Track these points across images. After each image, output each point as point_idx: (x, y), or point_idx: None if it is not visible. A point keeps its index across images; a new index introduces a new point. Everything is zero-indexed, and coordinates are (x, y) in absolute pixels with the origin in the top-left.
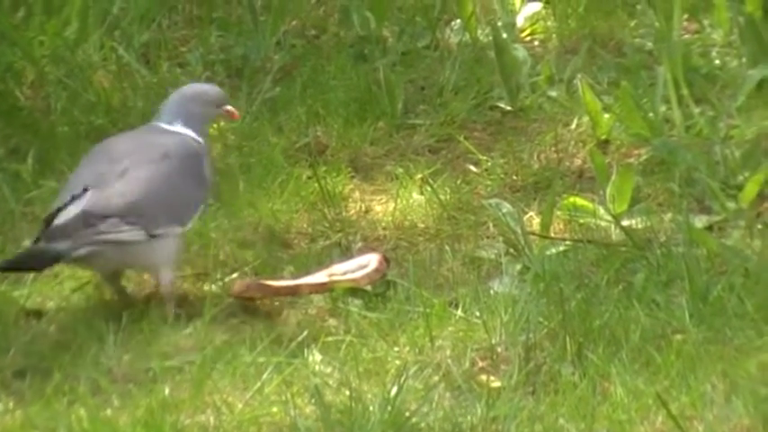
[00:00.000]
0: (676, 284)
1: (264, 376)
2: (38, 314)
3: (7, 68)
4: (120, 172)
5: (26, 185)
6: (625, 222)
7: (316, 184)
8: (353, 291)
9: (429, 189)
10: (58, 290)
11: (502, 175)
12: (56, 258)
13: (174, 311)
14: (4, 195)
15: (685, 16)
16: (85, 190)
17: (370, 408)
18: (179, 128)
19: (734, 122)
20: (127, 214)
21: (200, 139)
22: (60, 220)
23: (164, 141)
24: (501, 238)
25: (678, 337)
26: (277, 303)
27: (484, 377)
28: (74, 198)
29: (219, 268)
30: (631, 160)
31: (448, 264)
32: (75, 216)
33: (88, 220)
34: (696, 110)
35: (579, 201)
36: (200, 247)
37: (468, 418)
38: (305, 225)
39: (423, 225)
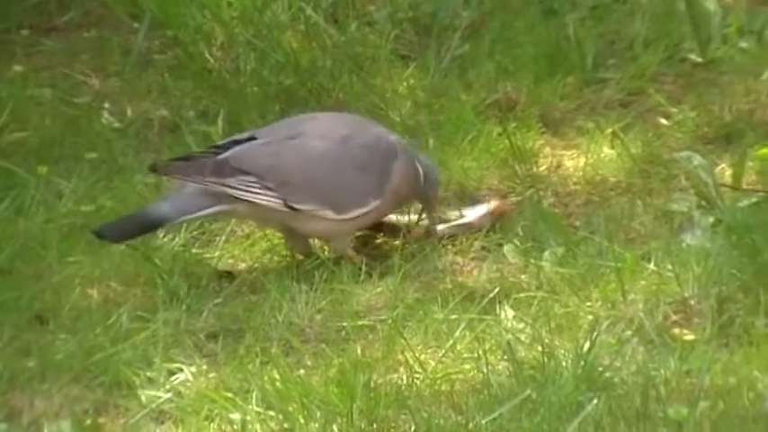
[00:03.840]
0: None
1: (457, 333)
2: (230, 276)
3: (197, 30)
4: (291, 135)
5: None
6: None
7: (506, 141)
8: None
9: (620, 143)
10: (250, 251)
11: (693, 128)
12: (158, 225)
13: (365, 269)
14: None
15: None
16: (251, 138)
17: (563, 363)
18: (414, 152)
19: None
20: (266, 177)
21: (419, 167)
22: (204, 159)
23: (362, 129)
24: (693, 191)
25: None
26: (471, 260)
27: (677, 330)
28: (235, 142)
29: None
30: None
31: (639, 217)
32: (215, 161)
33: (222, 168)
34: None
35: None
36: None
37: (662, 371)
38: (496, 181)
39: (614, 179)
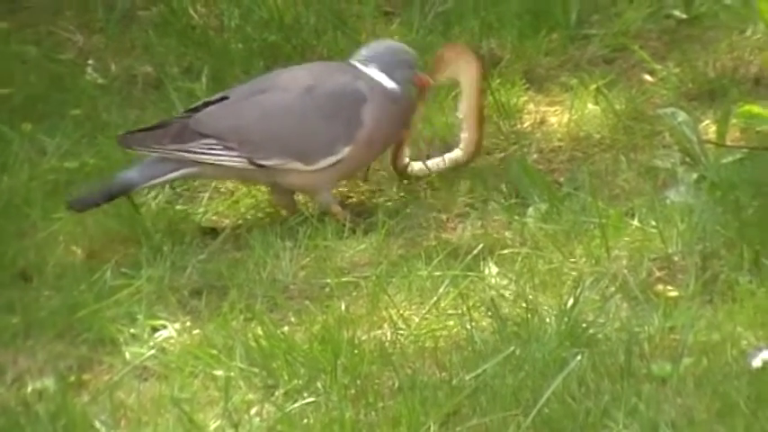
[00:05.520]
0: None
1: (441, 290)
2: (214, 232)
3: None
4: (259, 91)
5: None
6: None
7: (490, 97)
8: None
9: (604, 99)
10: (234, 208)
11: (677, 84)
12: (126, 191)
13: (349, 225)
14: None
15: None
16: (223, 98)
17: (547, 319)
18: (371, 69)
19: None
20: (227, 138)
21: (391, 85)
22: (166, 128)
23: (328, 78)
24: (677, 147)
25: None
26: (455, 217)
27: (661, 287)
28: (206, 104)
29: (394, 182)
30: None
31: (623, 174)
32: (176, 127)
33: (183, 134)
34: None
35: (755, 108)
36: (375, 162)
37: (645, 328)
38: None
39: (598, 135)
